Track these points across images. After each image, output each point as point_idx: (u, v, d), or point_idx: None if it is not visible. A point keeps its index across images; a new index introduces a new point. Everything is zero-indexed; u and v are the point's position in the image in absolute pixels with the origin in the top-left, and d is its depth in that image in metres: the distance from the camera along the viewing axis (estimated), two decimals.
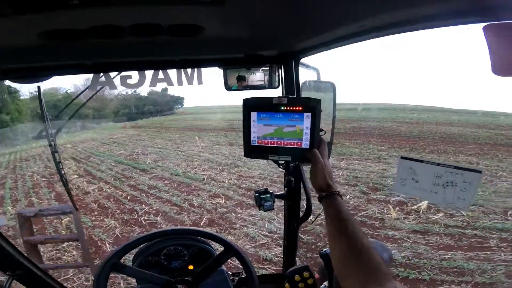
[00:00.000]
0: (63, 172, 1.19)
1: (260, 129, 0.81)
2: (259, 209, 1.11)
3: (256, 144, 0.82)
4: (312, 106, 0.75)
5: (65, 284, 1.29)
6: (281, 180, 5.99)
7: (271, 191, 1.13)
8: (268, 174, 6.39)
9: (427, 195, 0.81)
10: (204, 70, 0.98)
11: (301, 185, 1.15)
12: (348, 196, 5.18)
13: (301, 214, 1.22)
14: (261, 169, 6.81)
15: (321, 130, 0.78)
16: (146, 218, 4.72)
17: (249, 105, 0.80)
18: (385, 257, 0.93)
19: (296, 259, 1.41)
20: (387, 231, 3.97)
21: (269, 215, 4.41)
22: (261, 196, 1.11)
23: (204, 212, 4.85)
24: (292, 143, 0.79)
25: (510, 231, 3.97)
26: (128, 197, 5.63)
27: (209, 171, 7.09)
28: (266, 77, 1.14)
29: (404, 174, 0.84)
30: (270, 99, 0.79)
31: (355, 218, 0.74)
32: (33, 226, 2.60)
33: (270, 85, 1.13)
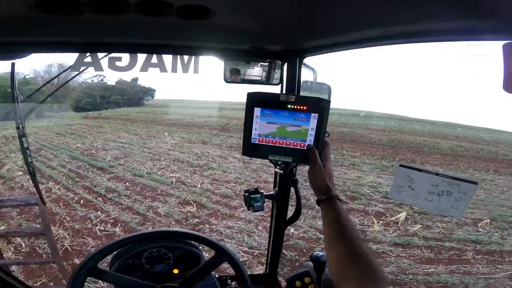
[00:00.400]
0: (30, 160, 1.16)
1: (263, 127, 0.77)
2: (248, 209, 1.07)
3: (257, 143, 0.79)
4: (321, 107, 0.74)
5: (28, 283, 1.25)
6: (259, 186, 5.68)
7: (261, 191, 1.09)
8: (246, 178, 5.92)
9: (421, 203, 0.82)
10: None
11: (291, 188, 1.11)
12: None
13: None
14: (237, 172, 6.33)
15: (326, 132, 0.76)
16: (102, 228, 3.98)
17: (254, 100, 0.76)
18: None
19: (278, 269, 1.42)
20: (370, 245, 3.78)
21: (248, 228, 3.97)
22: (251, 196, 1.06)
23: (173, 222, 4.22)
24: (295, 144, 0.77)
25: (483, 243, 4.04)
26: (81, 202, 4.78)
27: (178, 173, 6.36)
28: (264, 73, 1.08)
29: (401, 182, 0.85)
30: (277, 95, 0.77)
31: (354, 223, 0.73)
32: None
33: (268, 81, 1.09)
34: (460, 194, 0.76)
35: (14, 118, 1.03)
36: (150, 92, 32.60)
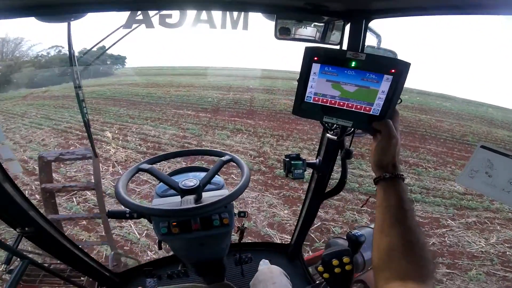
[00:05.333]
0: (85, 111, 1.27)
1: (321, 85, 0.60)
2: (287, 176, 0.94)
3: (311, 102, 0.62)
4: (399, 69, 0.54)
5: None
6: None
7: (303, 158, 0.94)
8: None
9: (496, 193, 0.65)
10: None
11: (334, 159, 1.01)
12: None
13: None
14: None
15: (398, 98, 0.56)
16: None
17: (313, 55, 0.59)
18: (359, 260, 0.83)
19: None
20: None
21: None
22: (292, 162, 0.93)
23: None
24: (359, 107, 0.59)
25: None
26: None
27: None
28: (318, 34, 0.91)
29: (478, 166, 0.67)
30: (342, 51, 0.60)
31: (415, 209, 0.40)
32: (52, 172, 2.10)
33: (324, 41, 0.91)
34: None
35: (71, 74, 1.19)
36: (120, 60, 28.21)
